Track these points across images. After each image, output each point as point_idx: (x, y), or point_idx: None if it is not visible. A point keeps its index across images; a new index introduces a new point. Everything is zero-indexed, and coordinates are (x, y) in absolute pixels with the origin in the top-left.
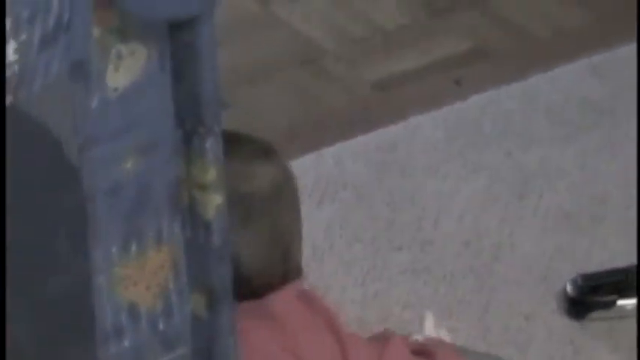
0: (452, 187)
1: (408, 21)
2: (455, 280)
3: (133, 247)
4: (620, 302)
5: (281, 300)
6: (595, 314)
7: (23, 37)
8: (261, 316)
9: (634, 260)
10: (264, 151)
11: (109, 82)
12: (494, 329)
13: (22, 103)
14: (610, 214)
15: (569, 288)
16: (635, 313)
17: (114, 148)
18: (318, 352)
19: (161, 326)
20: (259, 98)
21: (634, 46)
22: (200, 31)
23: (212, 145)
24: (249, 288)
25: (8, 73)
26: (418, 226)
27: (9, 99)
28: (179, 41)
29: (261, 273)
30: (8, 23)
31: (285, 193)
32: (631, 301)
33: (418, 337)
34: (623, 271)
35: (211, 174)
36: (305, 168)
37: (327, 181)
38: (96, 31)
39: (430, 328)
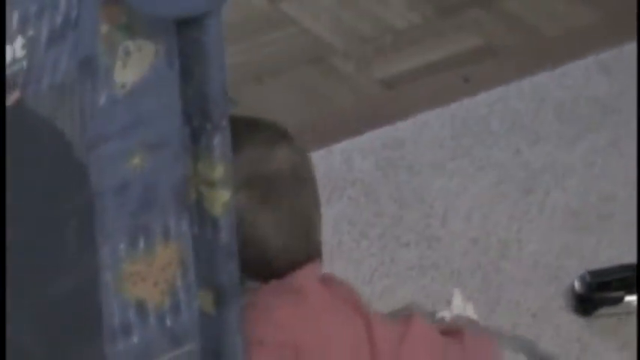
0: (460, 185)
1: (416, 19)
2: (462, 277)
3: (141, 244)
4: (628, 298)
5: (304, 275)
6: (603, 310)
7: (31, 32)
8: (285, 291)
9: None
10: (282, 135)
11: (117, 79)
12: (502, 326)
13: (30, 100)
14: (617, 212)
15: (577, 285)
16: None
17: (121, 145)
18: (341, 329)
19: (169, 323)
20: (267, 96)
21: None
22: (208, 28)
23: (219, 142)
24: (274, 268)
25: (16, 68)
26: (426, 223)
27: (17, 95)
28: (187, 38)
29: (286, 251)
30: (15, 18)
31: (303, 175)
32: None
33: (445, 315)
34: (630, 268)
35: (219, 171)
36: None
37: (335, 178)
38: (104, 28)
39: (459, 306)
